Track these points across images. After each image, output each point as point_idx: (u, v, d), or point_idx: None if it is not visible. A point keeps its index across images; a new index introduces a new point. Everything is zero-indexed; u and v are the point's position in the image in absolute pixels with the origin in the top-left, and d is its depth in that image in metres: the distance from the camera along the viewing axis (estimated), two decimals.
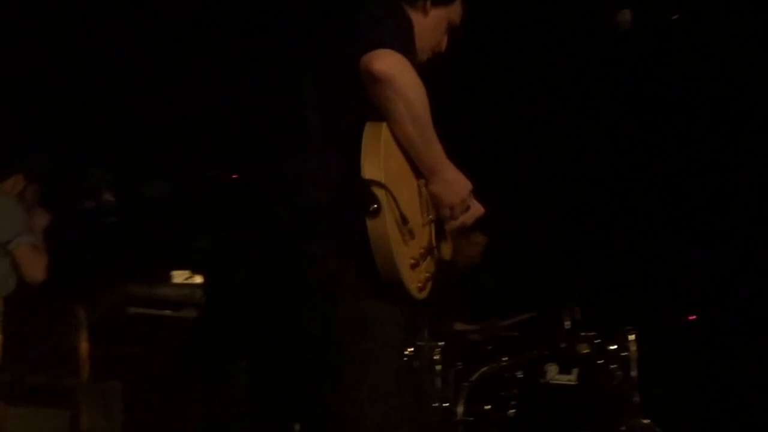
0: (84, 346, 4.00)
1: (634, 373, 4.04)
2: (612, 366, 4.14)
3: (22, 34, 4.76)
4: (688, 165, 5.25)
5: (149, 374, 4.55)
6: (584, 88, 5.19)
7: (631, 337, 4.10)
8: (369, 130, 2.04)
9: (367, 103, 2.07)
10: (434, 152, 2.15)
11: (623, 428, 3.95)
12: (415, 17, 2.29)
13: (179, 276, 4.92)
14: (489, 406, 4.18)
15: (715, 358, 5.02)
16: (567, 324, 4.30)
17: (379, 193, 1.99)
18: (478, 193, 2.34)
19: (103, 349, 4.20)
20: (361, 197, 1.99)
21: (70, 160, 4.74)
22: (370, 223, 1.99)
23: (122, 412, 4.34)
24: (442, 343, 4.24)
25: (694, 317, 4.90)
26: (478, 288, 5.26)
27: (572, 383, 4.16)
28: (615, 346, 4.18)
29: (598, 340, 4.22)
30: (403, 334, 2.22)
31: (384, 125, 2.05)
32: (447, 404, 4.15)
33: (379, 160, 2.00)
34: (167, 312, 4.76)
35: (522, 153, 5.73)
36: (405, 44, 2.09)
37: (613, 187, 5.58)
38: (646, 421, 3.97)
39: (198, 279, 4.92)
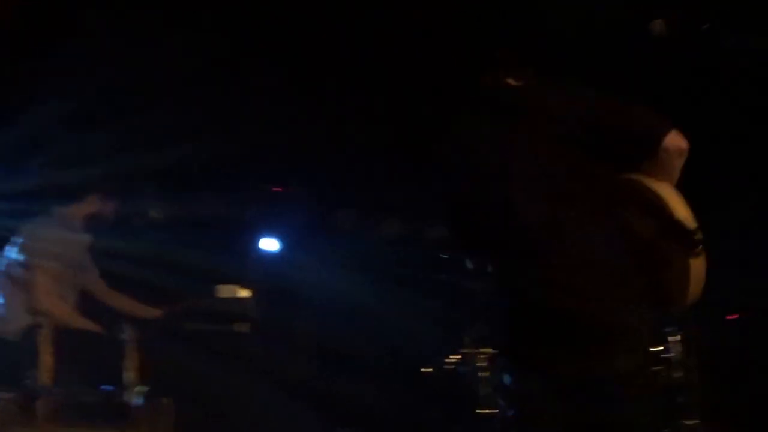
0: (134, 363, 4.01)
1: (677, 374, 3.98)
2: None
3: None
4: None
5: (200, 390, 4.58)
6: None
7: (674, 339, 4.03)
8: (663, 188, 2.37)
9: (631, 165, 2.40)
10: None
11: (666, 431, 3.87)
12: None
13: (225, 291, 4.94)
14: None
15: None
16: None
17: (698, 236, 2.34)
18: None
19: (153, 365, 4.23)
20: (686, 240, 2.32)
21: (119, 177, 4.74)
22: (694, 261, 2.32)
23: (173, 428, 4.36)
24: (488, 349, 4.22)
25: (737, 316, 4.77)
26: None
27: None
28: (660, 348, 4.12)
29: None
30: None
31: (668, 183, 2.39)
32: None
33: (689, 210, 2.35)
34: (216, 327, 4.78)
35: None
36: None
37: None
38: (690, 422, 3.90)
39: (244, 293, 4.93)
